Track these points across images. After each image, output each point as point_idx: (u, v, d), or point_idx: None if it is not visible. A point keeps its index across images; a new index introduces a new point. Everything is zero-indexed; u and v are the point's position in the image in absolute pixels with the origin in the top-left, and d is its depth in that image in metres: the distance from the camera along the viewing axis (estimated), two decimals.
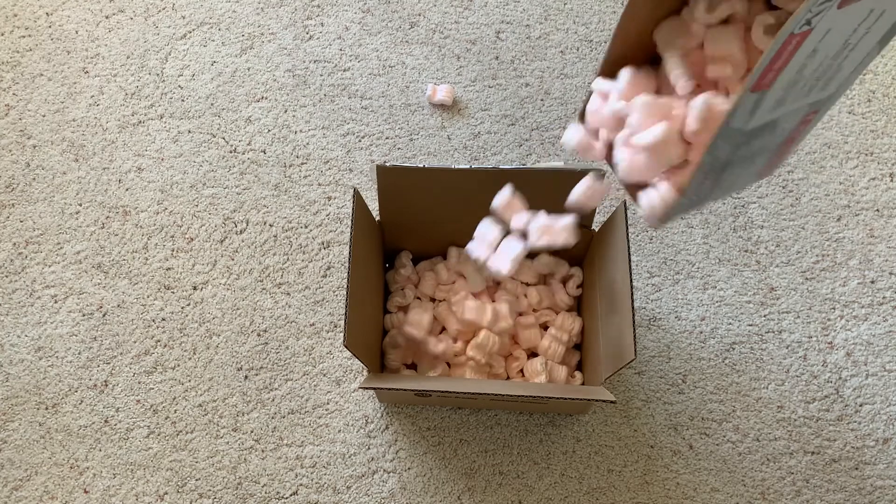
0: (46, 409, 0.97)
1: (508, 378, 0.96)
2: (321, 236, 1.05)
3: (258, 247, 1.05)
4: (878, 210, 1.06)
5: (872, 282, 1.02)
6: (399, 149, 1.11)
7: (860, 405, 0.96)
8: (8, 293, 1.03)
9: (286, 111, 1.14)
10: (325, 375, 0.98)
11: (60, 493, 0.93)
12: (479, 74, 1.16)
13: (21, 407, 0.97)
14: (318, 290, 1.02)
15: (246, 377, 0.98)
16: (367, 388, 0.93)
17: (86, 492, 0.93)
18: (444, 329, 0.97)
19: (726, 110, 0.56)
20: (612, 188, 0.72)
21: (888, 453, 0.94)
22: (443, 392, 0.85)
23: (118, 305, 1.02)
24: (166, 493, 0.93)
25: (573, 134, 0.69)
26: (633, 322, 0.77)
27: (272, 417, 0.96)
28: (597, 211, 0.91)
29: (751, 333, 0.99)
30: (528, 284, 0.98)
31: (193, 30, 1.20)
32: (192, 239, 1.06)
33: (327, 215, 1.07)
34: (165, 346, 1.00)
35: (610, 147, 0.68)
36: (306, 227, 1.06)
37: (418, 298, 0.99)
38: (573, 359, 0.96)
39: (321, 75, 1.16)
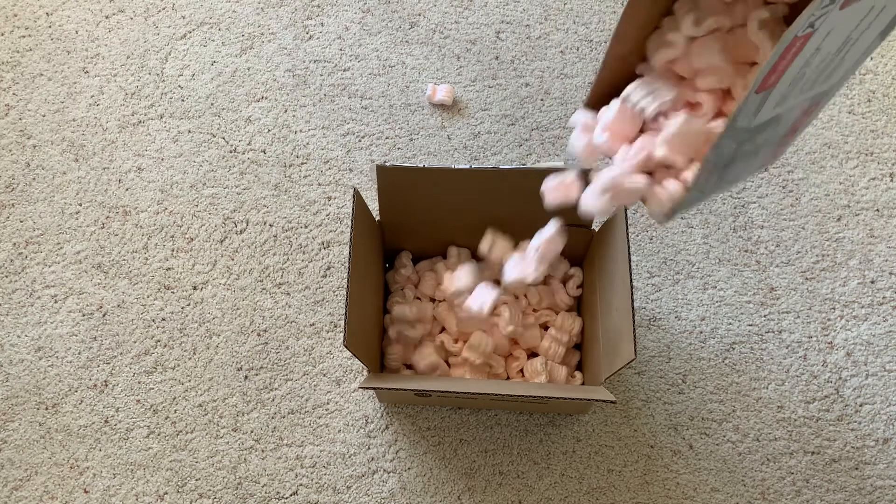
0: (46, 409, 0.97)
1: (508, 378, 0.96)
2: (321, 236, 1.05)
3: (258, 247, 1.05)
4: (878, 210, 1.06)
5: (872, 282, 1.02)
6: (399, 149, 1.11)
7: (860, 405, 0.96)
8: (8, 293, 1.03)
9: (286, 111, 1.14)
10: (325, 375, 0.98)
11: (60, 493, 0.93)
12: (479, 74, 1.16)
13: (21, 407, 0.97)
14: (318, 290, 1.02)
15: (246, 377, 0.98)
16: (367, 388, 0.93)
17: (86, 492, 0.93)
18: (444, 329, 0.97)
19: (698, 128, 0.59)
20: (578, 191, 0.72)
21: (888, 453, 0.94)
22: (443, 392, 0.85)
23: (118, 305, 1.02)
24: (166, 493, 0.93)
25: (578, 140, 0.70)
26: (633, 322, 0.77)
27: (272, 417, 0.96)
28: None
29: (751, 333, 0.99)
30: (528, 284, 0.98)
31: (193, 30, 1.20)
32: (192, 239, 1.06)
33: (327, 215, 1.07)
34: (165, 346, 1.00)
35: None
36: (306, 227, 1.06)
37: (418, 299, 0.99)
38: (573, 359, 0.96)
39: (321, 75, 1.16)
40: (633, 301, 0.78)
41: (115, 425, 0.96)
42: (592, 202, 0.67)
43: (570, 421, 0.95)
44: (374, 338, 0.93)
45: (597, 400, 0.78)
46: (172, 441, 0.95)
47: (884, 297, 1.01)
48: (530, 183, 0.85)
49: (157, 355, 0.99)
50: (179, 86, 1.16)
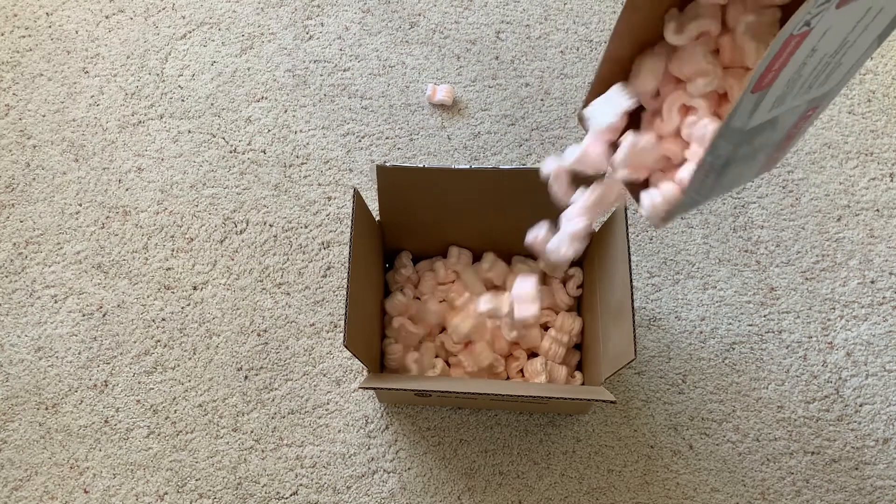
0: (46, 409, 0.97)
1: (508, 378, 0.96)
2: (321, 236, 1.05)
3: (258, 247, 1.05)
4: (878, 210, 1.06)
5: (872, 282, 1.02)
6: (399, 149, 1.11)
7: (860, 405, 0.96)
8: (8, 293, 1.03)
9: (286, 111, 1.14)
10: (325, 375, 0.98)
11: (60, 493, 0.93)
12: (479, 74, 1.16)
13: (21, 407, 0.97)
14: (318, 290, 1.02)
15: (246, 377, 0.98)
16: (367, 388, 0.93)
17: (86, 492, 0.93)
18: (444, 329, 0.97)
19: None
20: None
21: (888, 453, 0.94)
22: (443, 392, 0.85)
23: (118, 305, 1.02)
24: (166, 493, 0.93)
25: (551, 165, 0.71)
26: (633, 322, 0.77)
27: (272, 417, 0.96)
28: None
29: (751, 333, 0.99)
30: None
31: (193, 30, 1.20)
32: (192, 239, 1.06)
33: (327, 215, 1.07)
34: (165, 346, 1.00)
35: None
36: (306, 227, 1.06)
37: (417, 299, 0.99)
38: (573, 359, 0.96)
39: (321, 75, 1.16)
40: (633, 301, 0.78)
41: (115, 425, 0.96)
42: (560, 250, 0.75)
43: (570, 421, 0.95)
44: (374, 338, 0.93)
45: (597, 400, 0.78)
46: (172, 441, 0.95)
47: (884, 297, 1.01)
48: (530, 183, 0.85)
49: (157, 355, 0.99)
50: (179, 86, 1.16)
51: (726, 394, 0.96)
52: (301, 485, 0.93)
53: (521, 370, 0.95)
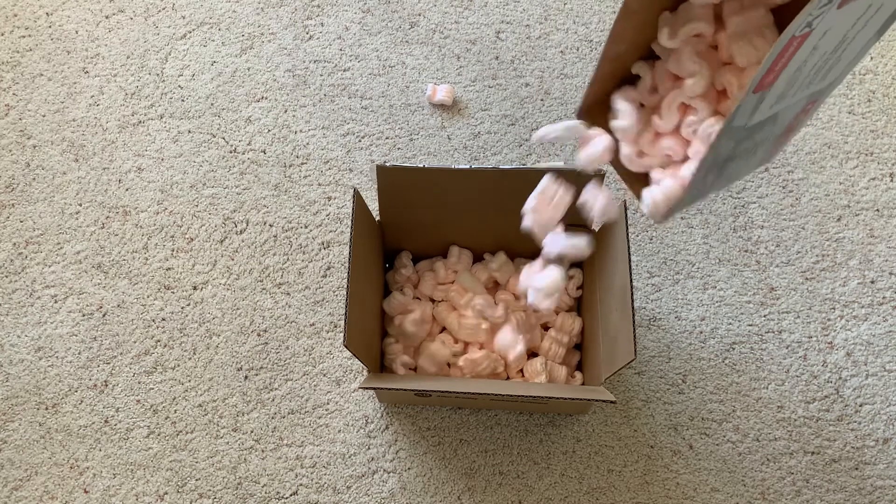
0: (46, 409, 0.97)
1: (508, 378, 0.96)
2: (321, 236, 1.05)
3: (258, 247, 1.05)
4: (878, 210, 1.06)
5: (872, 282, 1.02)
6: (399, 149, 1.11)
7: (860, 405, 0.96)
8: (8, 293, 1.03)
9: (286, 111, 1.14)
10: (325, 375, 0.98)
11: (60, 493, 0.93)
12: (479, 74, 1.16)
13: (21, 407, 0.97)
14: (318, 290, 1.02)
15: (246, 377, 0.98)
16: (367, 388, 0.93)
17: (86, 492, 0.93)
18: (444, 329, 0.97)
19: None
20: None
21: (888, 453, 0.94)
22: (443, 392, 0.85)
23: (118, 305, 1.02)
24: (166, 493, 0.93)
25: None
26: (633, 322, 0.77)
27: (272, 417, 0.96)
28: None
29: (751, 333, 0.99)
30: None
31: (193, 30, 1.20)
32: (192, 239, 1.06)
33: (327, 215, 1.07)
34: (165, 346, 1.00)
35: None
36: (306, 227, 1.06)
37: (417, 299, 0.99)
38: (573, 359, 0.96)
39: (321, 75, 1.16)
40: (633, 301, 0.78)
41: (115, 425, 0.96)
42: (542, 302, 0.78)
43: (570, 421, 0.95)
44: (374, 338, 0.93)
45: (597, 400, 0.78)
46: (172, 441, 0.95)
47: (884, 297, 1.01)
48: (530, 183, 0.85)
49: (157, 355, 0.99)
50: (179, 86, 1.16)
51: (726, 394, 0.96)
52: (301, 485, 0.93)
53: (521, 370, 0.95)
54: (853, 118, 1.12)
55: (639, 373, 0.98)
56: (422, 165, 1.08)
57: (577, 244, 0.77)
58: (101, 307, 1.02)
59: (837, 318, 1.00)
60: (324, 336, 1.00)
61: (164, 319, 1.01)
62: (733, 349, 0.98)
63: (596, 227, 0.93)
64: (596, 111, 0.70)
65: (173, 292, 1.02)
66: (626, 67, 0.67)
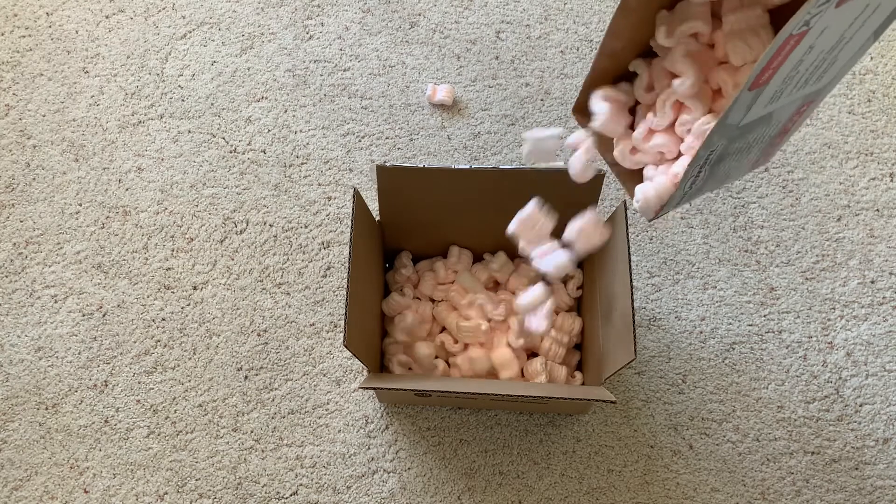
0: (46, 409, 0.97)
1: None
2: (321, 236, 1.05)
3: (258, 247, 1.05)
4: (878, 210, 1.06)
5: (872, 282, 1.02)
6: (399, 149, 1.11)
7: (860, 405, 0.96)
8: (8, 293, 1.03)
9: (286, 111, 1.14)
10: (325, 375, 0.98)
11: (60, 493, 0.93)
12: (479, 74, 1.16)
13: (21, 407, 0.97)
14: (318, 290, 1.02)
15: (246, 377, 0.98)
16: (367, 388, 0.93)
17: (86, 492, 0.93)
18: (444, 329, 0.97)
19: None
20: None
21: (888, 453, 0.94)
22: (443, 392, 0.85)
23: (118, 305, 1.02)
24: (166, 493, 0.93)
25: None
26: (633, 322, 0.77)
27: (272, 417, 0.96)
28: (597, 211, 0.91)
29: (751, 333, 0.99)
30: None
31: (193, 30, 1.20)
32: (192, 239, 1.06)
33: (327, 215, 1.07)
34: (165, 346, 1.00)
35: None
36: (306, 227, 1.06)
37: (417, 299, 0.99)
38: (573, 359, 0.96)
39: (321, 75, 1.16)
40: (633, 301, 0.78)
41: (115, 425, 0.96)
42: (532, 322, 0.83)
43: (570, 421, 0.95)
44: (374, 338, 0.93)
45: (597, 400, 0.78)
46: (172, 441, 0.95)
47: (884, 297, 1.01)
48: (530, 183, 0.85)
49: (157, 355, 0.99)
50: (179, 86, 1.16)
51: (726, 394, 0.96)
52: (301, 485, 0.93)
53: (522, 370, 0.95)
54: (853, 118, 1.12)
55: (639, 373, 0.98)
56: (422, 165, 1.08)
57: (560, 264, 0.79)
58: (101, 307, 1.02)
59: (837, 318, 1.00)
60: (324, 336, 1.00)
61: (164, 319, 1.01)
62: (733, 349, 0.98)
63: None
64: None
65: (173, 292, 1.02)
66: (624, 64, 0.67)
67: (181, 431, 0.96)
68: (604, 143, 0.71)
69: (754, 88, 0.53)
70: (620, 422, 0.95)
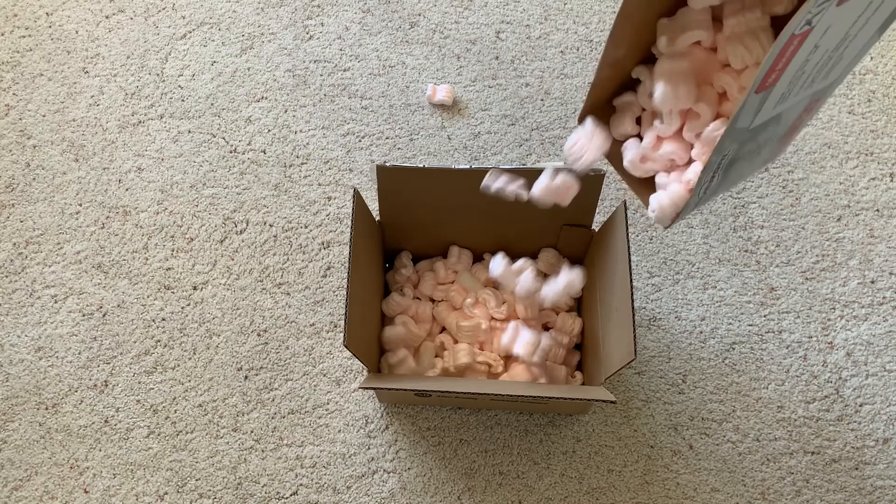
0: (46, 409, 0.97)
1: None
2: (321, 236, 1.05)
3: (258, 247, 1.05)
4: (878, 210, 1.06)
5: (872, 282, 1.02)
6: (399, 149, 1.11)
7: (860, 405, 0.96)
8: (8, 293, 1.03)
9: (286, 111, 1.14)
10: (325, 375, 0.98)
11: (60, 493, 0.93)
12: (479, 74, 1.16)
13: (21, 407, 0.97)
14: (318, 290, 1.02)
15: (246, 377, 0.98)
16: (367, 388, 0.93)
17: (86, 492, 0.93)
18: (444, 329, 0.97)
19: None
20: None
21: (888, 453, 0.94)
22: (443, 392, 0.85)
23: (118, 305, 1.02)
24: (166, 493, 0.93)
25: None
26: (633, 322, 0.77)
27: (272, 417, 0.96)
28: (597, 211, 0.91)
29: (751, 333, 0.99)
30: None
31: (193, 30, 1.20)
32: (192, 239, 1.06)
33: (327, 215, 1.07)
34: (165, 346, 1.00)
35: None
36: (306, 227, 1.06)
37: (417, 298, 0.99)
38: (573, 359, 0.96)
39: (321, 75, 1.16)
40: (633, 301, 0.78)
41: (115, 425, 0.96)
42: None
43: (570, 421, 0.95)
44: (374, 338, 0.93)
45: (597, 400, 0.78)
46: (172, 441, 0.95)
47: (884, 297, 1.01)
48: (530, 183, 0.85)
49: (157, 355, 0.99)
50: (179, 86, 1.16)
51: (726, 394, 0.96)
52: (301, 485, 0.93)
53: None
54: (853, 118, 1.12)
55: (639, 373, 0.98)
56: (422, 165, 1.08)
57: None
58: (101, 307, 1.02)
59: (837, 318, 1.00)
60: (324, 336, 1.00)
61: (164, 319, 1.01)
62: (733, 349, 0.98)
63: (596, 226, 0.93)
64: (597, 115, 0.70)
65: (173, 292, 1.02)
66: (627, 71, 0.67)
67: (181, 431, 0.96)
68: (614, 154, 0.70)
69: (761, 91, 0.53)
70: (620, 422, 0.95)
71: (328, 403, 0.97)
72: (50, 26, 1.20)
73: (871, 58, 1.15)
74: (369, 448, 0.94)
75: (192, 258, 1.04)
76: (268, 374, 0.98)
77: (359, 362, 0.96)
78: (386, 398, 0.95)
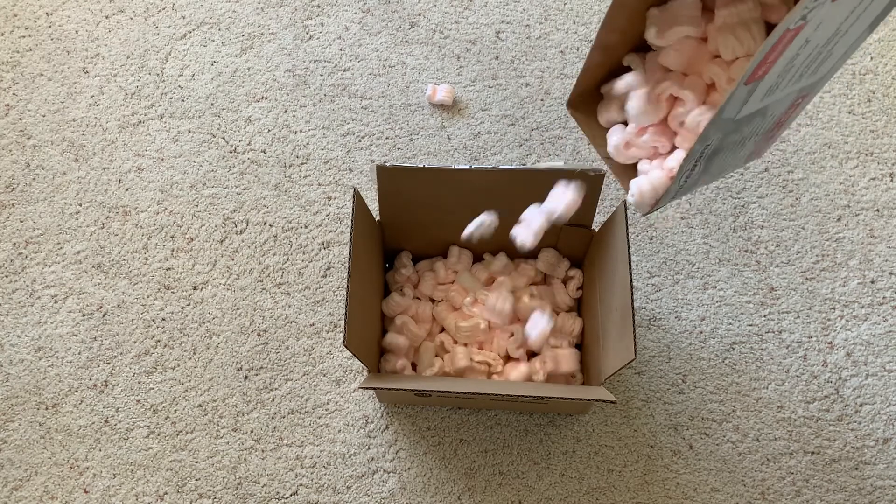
0: (46, 409, 0.97)
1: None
2: (321, 236, 1.05)
3: (258, 247, 1.05)
4: (878, 210, 1.06)
5: (872, 282, 1.02)
6: (399, 149, 1.11)
7: (860, 405, 0.96)
8: (8, 293, 1.03)
9: (286, 111, 1.14)
10: (325, 375, 0.98)
11: (60, 493, 0.93)
12: (479, 74, 1.16)
13: (21, 407, 0.97)
14: (318, 290, 1.02)
15: (246, 377, 0.98)
16: (367, 388, 0.93)
17: (86, 492, 0.93)
18: (443, 329, 0.97)
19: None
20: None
21: (888, 453, 0.94)
22: (443, 392, 0.85)
23: (118, 305, 1.02)
24: (166, 493, 0.93)
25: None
26: (633, 322, 0.77)
27: (272, 417, 0.96)
28: (597, 211, 0.91)
29: (751, 333, 0.99)
30: (534, 284, 0.99)
31: (193, 30, 1.20)
32: (192, 239, 1.06)
33: (327, 215, 1.07)
34: (165, 346, 1.00)
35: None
36: (306, 227, 1.06)
37: (417, 298, 0.99)
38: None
39: (321, 75, 1.16)
40: (633, 301, 0.78)
41: (115, 425, 0.96)
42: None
43: (570, 421, 0.95)
44: (374, 338, 0.93)
45: (597, 400, 0.78)
46: (172, 441, 0.95)
47: (884, 297, 1.01)
48: (530, 183, 0.85)
49: (157, 355, 0.99)
50: (179, 86, 1.16)
51: (726, 394, 0.96)
52: (301, 485, 0.93)
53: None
54: (853, 118, 1.12)
55: (639, 373, 0.98)
56: (422, 165, 1.08)
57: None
58: (101, 307, 1.02)
59: (837, 318, 1.00)
60: (324, 336, 1.00)
61: (164, 319, 1.01)
62: (733, 349, 0.98)
63: (596, 226, 0.93)
64: (585, 101, 0.70)
65: (173, 292, 1.02)
66: (617, 58, 0.68)
67: (181, 431, 0.96)
68: (598, 139, 0.71)
69: (750, 83, 0.53)
70: (620, 422, 0.95)
71: (328, 403, 0.97)
72: (50, 26, 1.20)
73: (871, 58, 1.15)
74: (369, 448, 0.94)
75: (192, 258, 1.04)
76: (268, 374, 0.98)
77: (359, 362, 0.96)
78: (386, 398, 0.95)
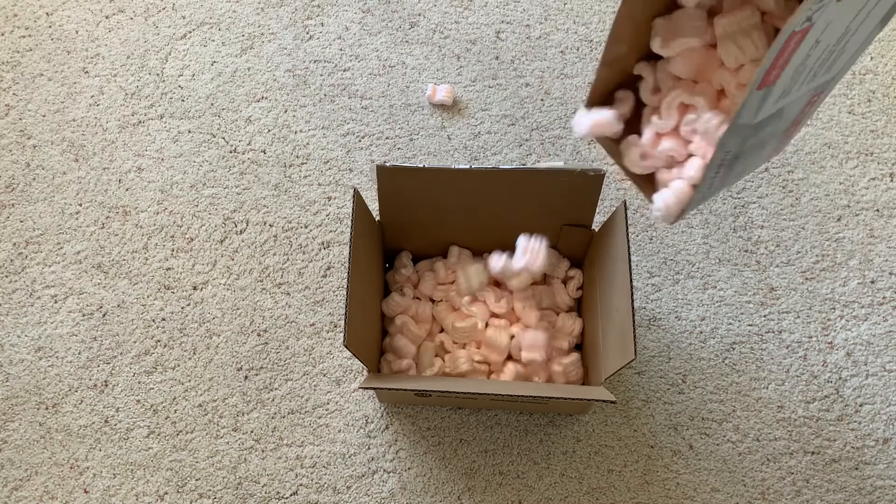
0: (46, 409, 0.97)
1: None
2: (321, 236, 1.05)
3: (258, 247, 1.05)
4: (878, 210, 1.06)
5: (872, 282, 1.02)
6: (399, 149, 1.11)
7: (860, 405, 0.96)
8: (8, 293, 1.03)
9: (286, 111, 1.14)
10: (325, 375, 0.98)
11: (60, 493, 0.93)
12: (479, 74, 1.16)
13: (21, 407, 0.97)
14: (318, 290, 1.02)
15: (246, 377, 0.98)
16: (367, 388, 0.93)
17: (86, 492, 0.93)
18: (443, 329, 0.97)
19: None
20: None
21: (888, 453, 0.94)
22: (443, 392, 0.85)
23: (118, 305, 1.02)
24: (166, 493, 0.93)
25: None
26: (633, 322, 0.77)
27: (272, 417, 0.96)
28: (597, 211, 0.91)
29: (751, 333, 0.99)
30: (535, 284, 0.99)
31: (193, 30, 1.20)
32: (192, 239, 1.06)
33: (327, 215, 1.07)
34: (165, 346, 1.00)
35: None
36: (306, 227, 1.06)
37: (417, 298, 0.99)
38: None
39: (321, 75, 1.16)
40: (633, 301, 0.78)
41: (115, 425, 0.96)
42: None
43: (570, 421, 0.95)
44: (374, 338, 0.93)
45: (597, 400, 0.78)
46: (172, 441, 0.95)
47: (884, 297, 1.01)
48: (530, 183, 0.85)
49: (157, 355, 0.99)
50: (179, 86, 1.16)
51: (726, 394, 0.96)
52: (301, 485, 0.93)
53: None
54: (853, 118, 1.11)
55: (639, 373, 0.98)
56: (422, 165, 1.08)
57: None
58: (101, 307, 1.02)
59: (837, 318, 1.00)
60: (324, 336, 1.00)
61: (164, 319, 1.01)
62: (733, 349, 0.98)
63: (596, 226, 0.93)
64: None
65: (173, 292, 1.02)
66: (627, 69, 0.67)
67: (181, 431, 0.96)
68: (616, 151, 0.71)
69: (763, 87, 0.53)
70: (620, 422, 0.95)
71: (328, 403, 0.97)
72: (50, 26, 1.20)
73: (871, 58, 1.15)
74: (369, 448, 0.94)
75: (192, 258, 1.04)
76: (268, 374, 0.98)
77: (359, 362, 0.96)
78: (386, 398, 0.95)
